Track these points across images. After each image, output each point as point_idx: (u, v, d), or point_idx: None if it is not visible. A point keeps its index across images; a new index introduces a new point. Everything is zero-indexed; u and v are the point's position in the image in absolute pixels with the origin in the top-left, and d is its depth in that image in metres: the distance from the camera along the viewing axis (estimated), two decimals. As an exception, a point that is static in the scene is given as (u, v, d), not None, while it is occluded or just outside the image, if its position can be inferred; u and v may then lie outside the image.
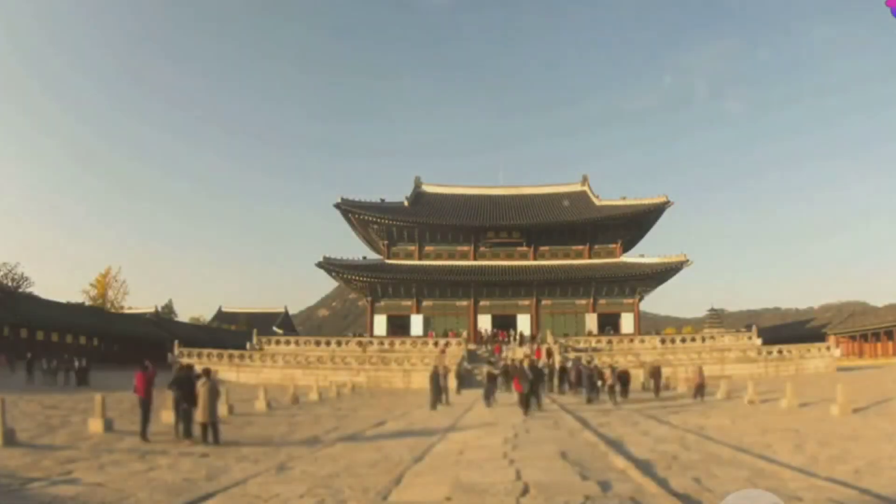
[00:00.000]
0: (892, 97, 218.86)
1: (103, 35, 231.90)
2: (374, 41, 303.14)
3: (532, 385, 17.73)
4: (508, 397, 20.15)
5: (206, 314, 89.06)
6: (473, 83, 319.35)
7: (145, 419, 12.34)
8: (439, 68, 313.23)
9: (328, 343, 41.87)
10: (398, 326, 49.94)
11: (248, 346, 41.58)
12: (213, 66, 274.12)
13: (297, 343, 43.34)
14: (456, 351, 38.54)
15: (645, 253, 52.22)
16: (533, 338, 45.59)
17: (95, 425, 13.23)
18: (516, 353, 35.62)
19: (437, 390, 20.37)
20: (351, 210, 50.32)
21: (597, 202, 54.65)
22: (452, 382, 20.45)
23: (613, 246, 52.50)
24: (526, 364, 18.88)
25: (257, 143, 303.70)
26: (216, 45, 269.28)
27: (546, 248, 52.52)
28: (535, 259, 51.92)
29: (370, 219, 50.85)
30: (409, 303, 50.48)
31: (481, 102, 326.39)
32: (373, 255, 53.81)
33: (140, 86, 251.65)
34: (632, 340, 43.15)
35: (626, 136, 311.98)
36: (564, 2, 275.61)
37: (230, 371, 36.46)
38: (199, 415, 11.77)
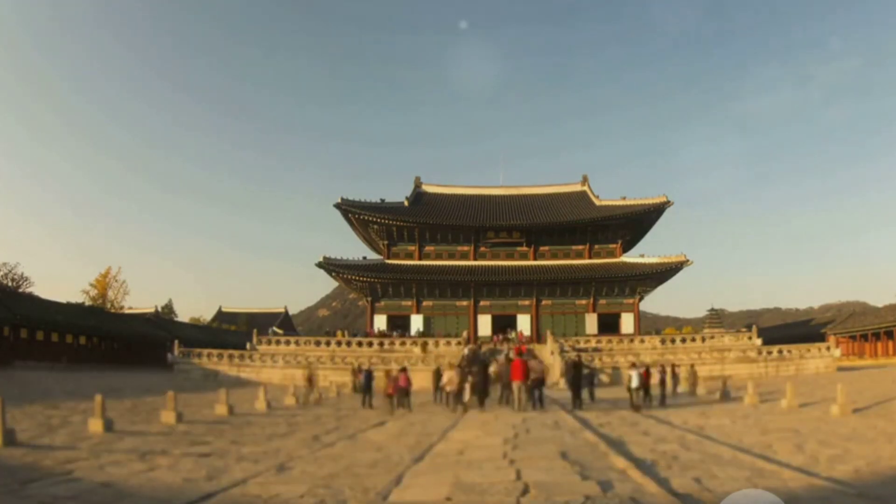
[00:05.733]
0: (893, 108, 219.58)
1: (96, 37, 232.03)
2: (378, 47, 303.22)
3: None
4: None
5: (206, 314, 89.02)
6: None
7: None
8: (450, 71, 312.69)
9: (328, 343, 41.87)
10: (398, 326, 49.93)
11: (248, 346, 41.57)
12: (213, 70, 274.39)
13: (297, 343, 43.33)
14: (455, 351, 38.55)
15: (645, 253, 52.29)
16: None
17: (95, 425, 13.22)
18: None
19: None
20: (351, 210, 50.30)
21: (597, 202, 54.68)
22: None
23: (613, 246, 52.50)
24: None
25: (257, 142, 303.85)
26: (212, 52, 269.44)
27: (546, 248, 52.51)
28: (535, 259, 51.91)
29: (370, 219, 50.84)
30: (409, 303, 50.48)
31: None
32: (373, 255, 53.81)
33: (136, 92, 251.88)
34: (632, 340, 43.16)
35: (630, 141, 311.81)
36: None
37: (231, 371, 36.53)
38: None
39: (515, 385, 17.43)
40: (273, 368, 36.42)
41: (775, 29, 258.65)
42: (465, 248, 52.36)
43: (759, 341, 40.61)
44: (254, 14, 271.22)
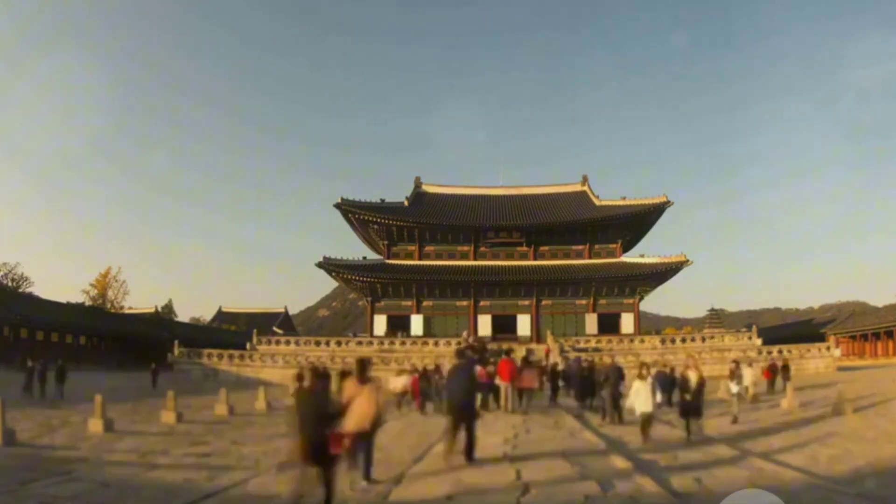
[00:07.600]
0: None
1: (96, 39, 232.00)
2: (377, 51, 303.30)
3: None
4: None
5: (206, 314, 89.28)
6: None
7: None
8: (447, 73, 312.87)
9: (328, 343, 41.86)
10: (398, 326, 49.90)
11: (248, 346, 41.58)
12: (213, 74, 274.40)
13: (296, 343, 43.35)
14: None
15: (645, 253, 52.15)
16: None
17: (95, 425, 13.22)
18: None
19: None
20: (351, 210, 50.28)
21: (597, 202, 54.66)
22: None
23: (613, 246, 52.48)
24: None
25: (258, 143, 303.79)
26: (211, 56, 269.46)
27: (546, 248, 52.48)
28: (535, 259, 51.88)
29: (370, 219, 50.83)
30: (409, 303, 50.46)
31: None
32: (373, 255, 53.77)
33: (134, 95, 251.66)
34: (632, 341, 43.15)
35: (633, 145, 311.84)
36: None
37: (231, 371, 36.53)
38: None
39: (503, 386, 16.52)
40: (273, 368, 36.41)
41: (772, 32, 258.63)
42: (465, 248, 52.34)
43: (759, 341, 40.59)
44: (253, 18, 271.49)
